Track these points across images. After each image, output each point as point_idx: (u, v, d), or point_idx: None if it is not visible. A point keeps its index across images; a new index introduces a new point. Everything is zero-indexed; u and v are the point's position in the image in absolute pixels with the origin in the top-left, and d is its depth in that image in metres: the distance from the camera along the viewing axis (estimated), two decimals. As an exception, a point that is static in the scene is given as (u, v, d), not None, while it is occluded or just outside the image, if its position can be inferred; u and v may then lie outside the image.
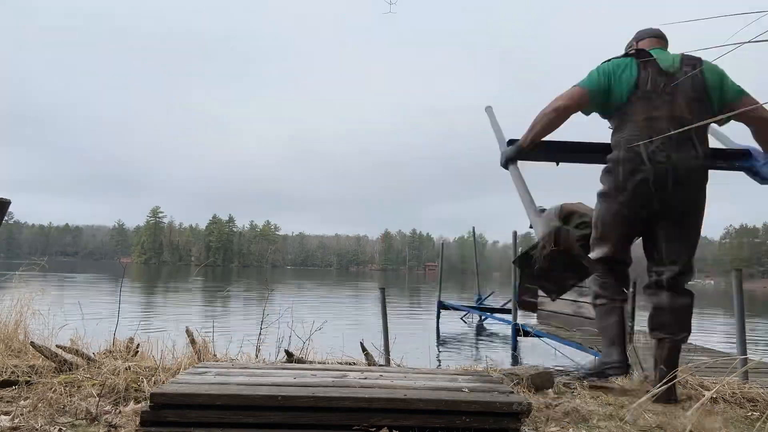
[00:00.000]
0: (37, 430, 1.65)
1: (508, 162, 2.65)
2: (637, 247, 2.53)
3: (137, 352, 2.97)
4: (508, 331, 8.43)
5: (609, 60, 2.49)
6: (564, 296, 7.38)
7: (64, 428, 1.69)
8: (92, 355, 2.61)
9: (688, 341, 2.48)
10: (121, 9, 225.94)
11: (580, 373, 2.63)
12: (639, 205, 2.34)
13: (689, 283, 2.43)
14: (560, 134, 2.57)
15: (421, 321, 12.52)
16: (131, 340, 3.14)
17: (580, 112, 2.51)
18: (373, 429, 1.65)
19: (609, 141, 2.51)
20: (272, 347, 3.23)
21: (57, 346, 2.61)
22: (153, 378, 2.24)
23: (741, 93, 2.38)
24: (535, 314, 8.00)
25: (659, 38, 2.54)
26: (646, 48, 2.48)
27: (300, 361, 2.83)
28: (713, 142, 2.57)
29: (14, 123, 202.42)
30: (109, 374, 2.16)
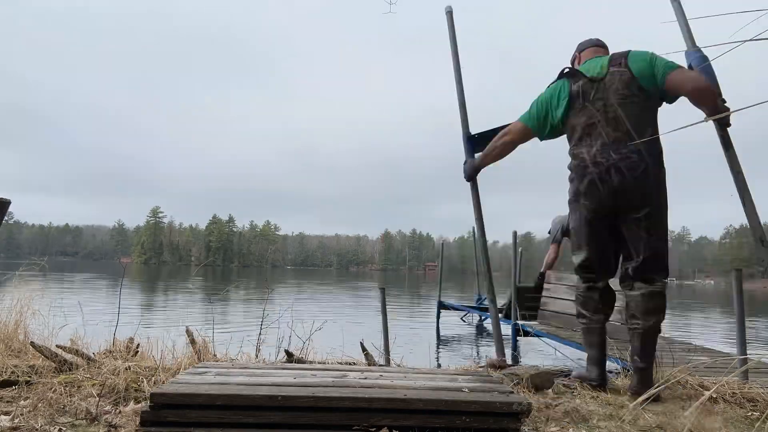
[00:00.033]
0: (37, 430, 1.65)
1: (472, 178, 3.16)
2: None
3: (137, 352, 2.97)
4: (508, 331, 8.42)
5: (549, 85, 2.67)
6: (564, 296, 7.38)
7: (64, 428, 1.69)
8: (92, 355, 2.61)
9: (688, 341, 2.49)
10: (121, 9, 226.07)
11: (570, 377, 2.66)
12: (595, 206, 2.47)
13: (666, 279, 2.48)
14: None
15: (421, 321, 12.51)
16: (131, 340, 3.14)
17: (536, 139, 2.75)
18: (373, 429, 1.65)
19: None
20: (272, 347, 3.23)
21: (57, 346, 2.61)
22: (153, 378, 2.24)
23: (667, 68, 2.40)
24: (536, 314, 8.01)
25: (598, 47, 2.70)
26: (589, 58, 2.63)
27: (300, 361, 2.83)
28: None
29: (14, 123, 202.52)
30: (109, 374, 2.16)
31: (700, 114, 2.37)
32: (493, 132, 3.00)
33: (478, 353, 8.50)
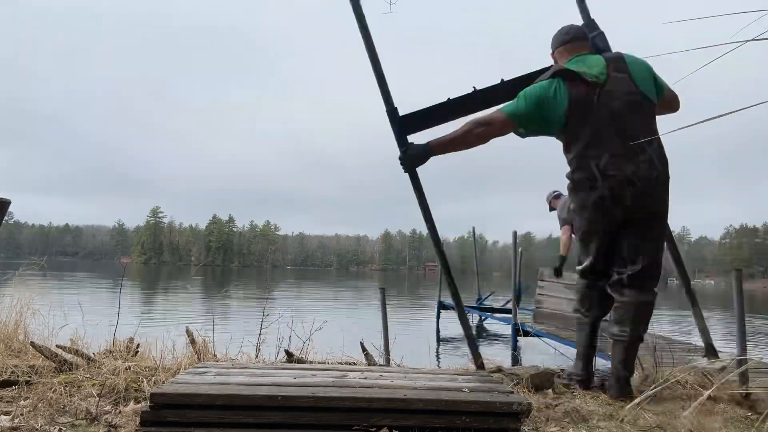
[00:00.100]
0: (37, 430, 1.65)
1: (414, 168, 2.65)
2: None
3: (137, 352, 2.97)
4: (508, 331, 8.43)
5: (539, 81, 2.48)
6: (564, 296, 7.37)
7: (64, 428, 1.69)
8: (92, 355, 2.61)
9: (688, 342, 2.49)
10: (121, 9, 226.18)
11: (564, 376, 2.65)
12: (604, 219, 2.39)
13: (659, 281, 2.46)
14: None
15: (421, 321, 12.52)
16: (131, 340, 3.14)
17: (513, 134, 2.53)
18: (373, 429, 1.65)
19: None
20: (272, 347, 3.23)
21: (57, 346, 2.60)
22: (153, 378, 2.24)
23: (665, 85, 2.54)
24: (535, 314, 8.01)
25: (581, 40, 2.56)
26: (575, 54, 2.50)
27: (300, 361, 2.83)
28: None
29: (14, 123, 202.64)
30: (109, 374, 2.16)
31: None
32: (431, 111, 2.69)
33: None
